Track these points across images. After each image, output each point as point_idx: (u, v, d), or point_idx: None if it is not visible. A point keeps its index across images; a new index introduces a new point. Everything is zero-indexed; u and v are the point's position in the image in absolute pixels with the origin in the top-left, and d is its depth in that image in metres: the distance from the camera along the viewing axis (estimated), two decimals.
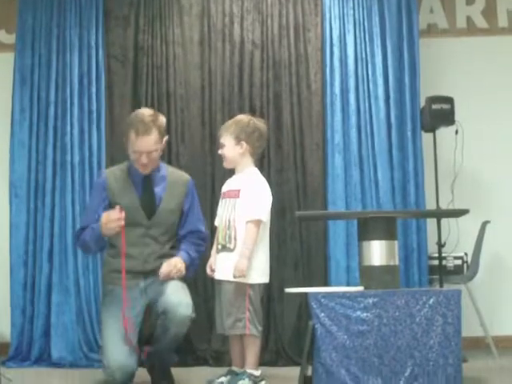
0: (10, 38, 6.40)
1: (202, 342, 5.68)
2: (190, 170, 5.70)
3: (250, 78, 5.99)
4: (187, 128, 5.96)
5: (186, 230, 4.63)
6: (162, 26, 6.05)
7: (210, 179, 5.81)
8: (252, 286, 4.39)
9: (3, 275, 5.94)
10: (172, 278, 4.41)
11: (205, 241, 4.72)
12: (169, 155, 5.91)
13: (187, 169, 5.81)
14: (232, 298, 4.39)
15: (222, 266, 4.47)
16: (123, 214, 4.31)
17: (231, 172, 4.72)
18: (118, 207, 4.33)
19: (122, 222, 4.31)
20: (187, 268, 4.49)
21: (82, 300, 5.74)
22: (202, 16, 6.06)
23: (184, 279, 4.52)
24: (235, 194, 4.48)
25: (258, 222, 4.36)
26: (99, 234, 4.43)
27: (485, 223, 5.90)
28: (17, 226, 5.85)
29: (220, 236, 4.51)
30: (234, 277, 4.33)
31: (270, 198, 4.53)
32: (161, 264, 4.44)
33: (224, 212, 4.53)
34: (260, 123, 4.60)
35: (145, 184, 4.55)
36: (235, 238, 4.40)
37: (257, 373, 4.44)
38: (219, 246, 4.50)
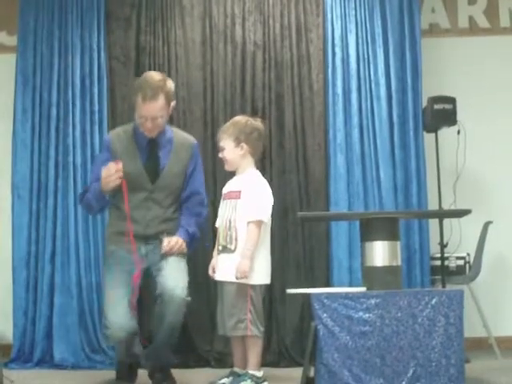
0: (12, 40, 6.40)
1: (204, 343, 5.67)
2: None
3: (252, 79, 5.99)
4: (189, 129, 5.93)
5: (188, 192, 4.66)
6: (163, 27, 6.05)
7: (212, 180, 5.80)
8: (253, 286, 4.39)
9: (5, 277, 5.94)
10: (173, 254, 4.46)
11: (203, 205, 4.75)
12: None
13: None
14: (234, 299, 4.39)
15: (222, 267, 4.47)
16: (120, 165, 4.35)
17: (233, 173, 4.72)
18: (116, 161, 4.38)
19: (121, 174, 4.32)
20: (187, 245, 4.54)
21: (84, 301, 5.74)
22: (203, 17, 6.06)
23: (184, 255, 4.58)
24: (236, 195, 4.48)
25: (259, 223, 4.37)
26: (100, 191, 4.47)
27: (487, 223, 5.90)
28: (19, 227, 5.85)
29: (221, 237, 4.51)
30: (237, 278, 4.33)
31: (271, 199, 4.53)
32: (163, 229, 4.50)
33: (225, 213, 4.53)
34: (257, 123, 4.61)
35: (149, 148, 4.57)
36: (236, 239, 4.40)
37: (259, 374, 4.44)
38: (220, 247, 4.50)
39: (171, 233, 4.55)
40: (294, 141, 5.92)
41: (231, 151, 4.54)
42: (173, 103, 4.59)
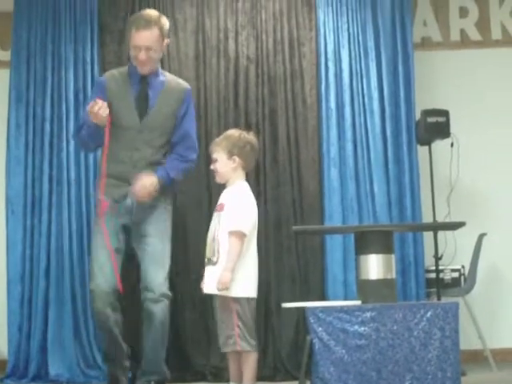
0: (5, 55, 6.40)
1: (200, 357, 5.66)
2: (186, 185, 5.72)
3: (246, 93, 6.00)
4: None
5: (178, 134, 4.66)
6: None
7: (207, 193, 5.80)
8: (238, 300, 4.36)
9: (0, 292, 5.92)
10: (145, 201, 4.47)
11: (194, 150, 4.75)
12: None
13: (183, 183, 5.82)
14: (221, 314, 4.39)
15: (207, 280, 4.46)
16: (105, 104, 4.34)
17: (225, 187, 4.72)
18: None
19: (107, 110, 4.32)
20: (164, 187, 4.53)
21: (79, 317, 5.72)
22: (196, 31, 6.07)
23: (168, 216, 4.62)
24: (220, 208, 4.49)
25: (239, 234, 4.34)
26: (92, 126, 4.43)
27: (481, 235, 5.91)
28: (13, 243, 5.83)
29: (207, 249, 4.51)
30: (218, 289, 4.32)
31: (254, 211, 4.50)
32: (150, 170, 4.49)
33: (212, 226, 4.54)
34: (250, 136, 4.61)
35: (141, 86, 4.56)
36: (218, 251, 4.39)
37: None
38: (206, 260, 4.50)
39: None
40: (287, 155, 5.92)
41: (223, 164, 4.54)
42: (167, 40, 4.60)
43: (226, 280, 4.28)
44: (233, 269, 4.30)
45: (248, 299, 4.42)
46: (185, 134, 4.66)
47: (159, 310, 4.45)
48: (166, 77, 4.74)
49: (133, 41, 4.45)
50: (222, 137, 4.65)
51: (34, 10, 6.06)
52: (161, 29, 4.49)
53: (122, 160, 4.48)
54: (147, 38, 4.43)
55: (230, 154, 4.50)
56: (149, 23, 4.43)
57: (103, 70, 5.93)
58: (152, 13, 4.58)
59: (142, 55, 4.45)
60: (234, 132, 4.66)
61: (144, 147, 4.53)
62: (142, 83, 4.55)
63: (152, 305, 4.44)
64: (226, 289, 4.29)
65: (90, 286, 4.56)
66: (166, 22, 4.59)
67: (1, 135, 6.06)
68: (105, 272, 4.47)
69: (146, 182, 4.44)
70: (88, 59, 5.98)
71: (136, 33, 4.42)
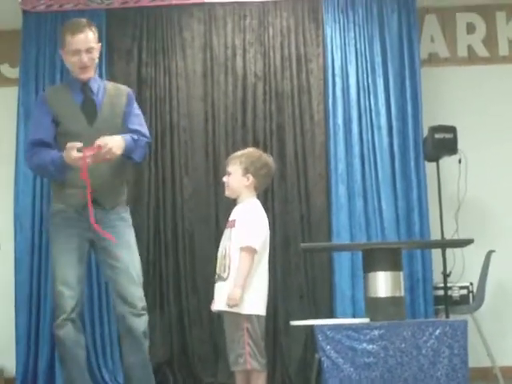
0: (14, 72, 6.43)
1: (208, 374, 5.65)
2: (194, 202, 5.73)
3: (253, 110, 6.02)
4: (191, 160, 5.97)
5: (128, 131, 4.47)
6: (164, 59, 6.09)
7: (214, 211, 5.81)
8: (249, 318, 4.35)
9: (8, 309, 5.91)
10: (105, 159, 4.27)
11: (147, 138, 4.57)
12: (173, 187, 5.93)
13: (191, 200, 5.84)
14: (231, 332, 4.36)
15: (217, 296, 4.44)
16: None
17: (235, 204, 4.71)
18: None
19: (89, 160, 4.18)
20: (129, 150, 4.37)
21: (87, 334, 5.71)
22: (204, 49, 6.10)
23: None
24: (232, 224, 4.47)
25: (250, 250, 4.32)
26: (63, 164, 4.25)
27: (490, 252, 5.89)
28: (21, 261, 5.85)
29: (217, 266, 4.49)
30: (228, 306, 4.30)
31: (265, 229, 4.49)
32: (108, 179, 4.36)
33: (222, 242, 4.52)
34: (270, 160, 4.58)
35: (83, 93, 4.49)
36: (229, 267, 4.37)
37: None
38: (216, 276, 4.48)
39: (119, 187, 4.48)
40: (295, 171, 5.93)
41: (237, 179, 4.51)
42: (99, 44, 4.55)
43: (237, 296, 4.25)
44: (243, 285, 4.28)
45: (258, 317, 4.41)
46: (134, 129, 4.51)
47: (142, 322, 4.40)
48: (103, 81, 4.74)
49: (72, 46, 4.41)
50: (242, 152, 4.61)
51: (43, 27, 6.12)
52: (94, 31, 4.50)
53: (75, 168, 4.39)
54: (86, 40, 4.42)
55: (246, 172, 4.48)
56: (83, 27, 4.42)
57: None
58: (81, 19, 4.59)
59: (84, 57, 4.43)
60: (255, 151, 4.62)
61: None
62: (84, 90, 4.51)
63: (134, 318, 4.39)
64: (236, 305, 4.27)
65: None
66: (95, 27, 4.59)
67: (10, 152, 6.07)
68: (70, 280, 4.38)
69: (107, 139, 4.26)
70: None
71: (73, 38, 4.40)
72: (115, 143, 4.23)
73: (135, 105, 4.65)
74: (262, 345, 4.39)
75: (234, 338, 4.33)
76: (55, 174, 4.38)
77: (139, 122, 4.56)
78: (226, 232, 4.49)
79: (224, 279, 4.35)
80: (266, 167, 4.51)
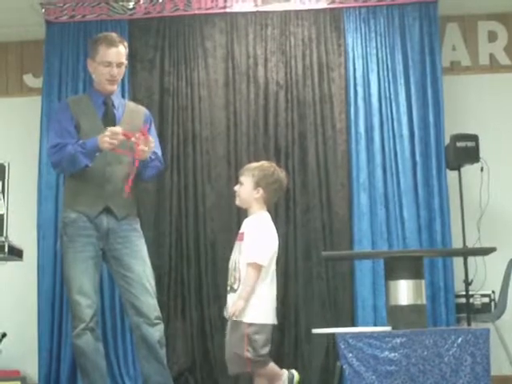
0: (37, 82, 6.50)
1: (229, 382, 5.63)
2: (216, 211, 5.75)
3: (275, 119, 6.04)
4: (213, 169, 6.00)
5: None
6: (186, 69, 6.13)
7: (236, 220, 5.81)
8: (250, 326, 4.35)
9: (31, 317, 5.95)
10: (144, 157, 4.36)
11: (161, 162, 4.64)
12: (195, 196, 5.96)
13: (213, 209, 5.85)
14: (232, 337, 4.38)
15: (229, 306, 4.47)
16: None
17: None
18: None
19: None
20: (145, 164, 4.43)
21: (109, 343, 5.75)
22: (226, 58, 6.13)
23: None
24: (241, 238, 4.49)
25: (256, 266, 4.34)
26: (92, 149, 4.32)
27: None
28: (44, 268, 5.88)
29: (229, 277, 4.52)
30: (229, 314, 4.34)
31: (272, 242, 4.48)
32: (123, 186, 4.38)
33: (233, 255, 4.55)
34: (282, 175, 4.59)
35: (106, 104, 4.55)
36: (239, 280, 4.40)
37: None
38: (228, 288, 4.51)
39: (130, 198, 4.48)
40: (317, 180, 5.94)
41: (247, 191, 4.54)
42: (126, 62, 4.63)
43: (238, 308, 4.29)
44: (247, 298, 4.31)
45: (263, 325, 4.41)
46: (152, 151, 4.58)
47: (157, 331, 4.41)
48: (125, 99, 4.80)
49: (104, 57, 4.47)
50: (255, 164, 4.63)
51: (66, 37, 6.17)
52: (126, 48, 4.58)
53: (94, 176, 4.41)
54: (119, 54, 4.52)
55: (257, 185, 4.50)
56: (118, 42, 4.54)
57: (134, 97, 5.99)
58: (115, 34, 4.66)
59: (114, 71, 4.50)
60: (268, 166, 4.63)
61: (115, 163, 4.47)
62: (106, 103, 4.57)
63: (148, 327, 4.40)
64: (236, 316, 4.30)
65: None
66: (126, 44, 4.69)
67: (33, 161, 6.12)
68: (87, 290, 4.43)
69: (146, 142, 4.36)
70: (119, 87, 6.03)
71: (108, 50, 4.47)
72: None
73: (153, 127, 4.72)
74: (267, 350, 4.37)
75: (234, 342, 4.34)
76: (82, 159, 4.36)
77: (157, 145, 4.61)
78: (236, 245, 4.53)
79: (235, 290, 4.40)
80: (278, 183, 4.53)
